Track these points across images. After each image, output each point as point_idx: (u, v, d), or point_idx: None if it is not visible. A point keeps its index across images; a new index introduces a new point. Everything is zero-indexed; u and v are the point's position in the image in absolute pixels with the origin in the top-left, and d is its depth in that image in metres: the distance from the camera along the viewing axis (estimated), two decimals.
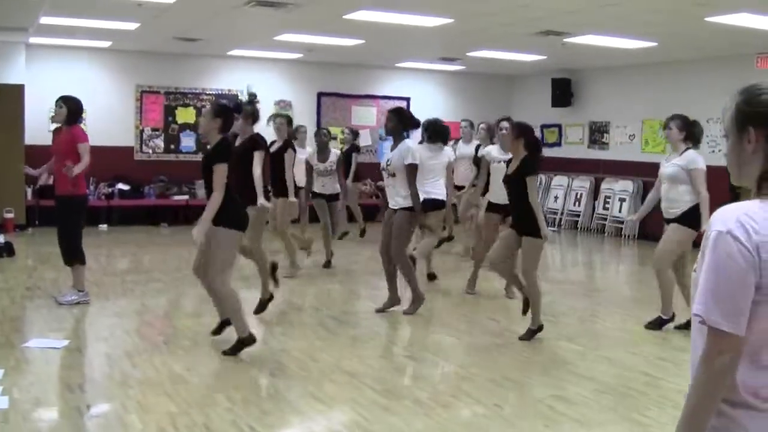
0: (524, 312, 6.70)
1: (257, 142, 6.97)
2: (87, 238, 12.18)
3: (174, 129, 14.43)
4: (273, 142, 8.48)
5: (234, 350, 5.89)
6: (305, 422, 4.65)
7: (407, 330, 7.10)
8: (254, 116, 7.02)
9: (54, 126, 7.75)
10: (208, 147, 5.90)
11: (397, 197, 7.27)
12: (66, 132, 7.43)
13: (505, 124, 8.06)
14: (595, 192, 14.66)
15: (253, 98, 6.96)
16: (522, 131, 6.66)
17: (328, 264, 9.92)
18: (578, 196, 14.97)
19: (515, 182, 6.56)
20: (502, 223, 7.77)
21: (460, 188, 9.47)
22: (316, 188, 9.89)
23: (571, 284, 9.55)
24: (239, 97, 13.99)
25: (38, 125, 13.11)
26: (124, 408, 4.77)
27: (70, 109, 7.40)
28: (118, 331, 6.68)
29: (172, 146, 14.44)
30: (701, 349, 1.75)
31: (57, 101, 7.49)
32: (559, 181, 15.46)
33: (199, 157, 14.52)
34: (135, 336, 6.54)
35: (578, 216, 14.92)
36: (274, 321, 7.17)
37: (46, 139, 13.27)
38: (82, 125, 7.73)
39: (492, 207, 7.94)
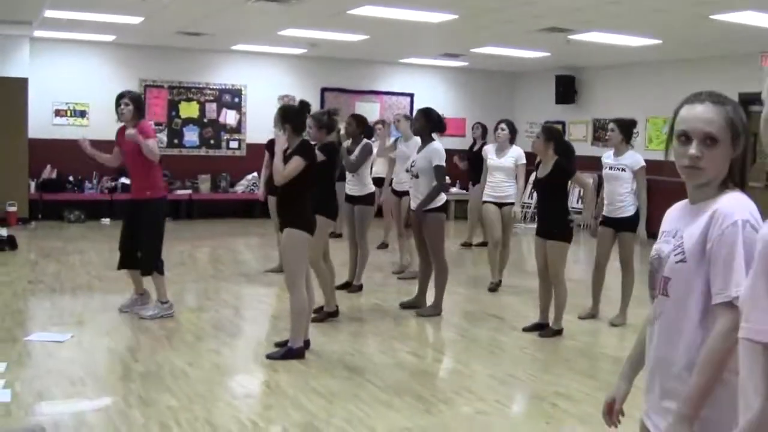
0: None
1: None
2: (89, 231, 12.31)
3: (177, 123, 14.43)
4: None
5: (278, 356, 5.78)
6: (307, 417, 4.65)
7: (409, 326, 7.10)
8: (329, 127, 6.79)
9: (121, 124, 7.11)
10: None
11: (420, 197, 7.21)
12: (134, 128, 6.79)
13: (503, 125, 8.67)
14: (598, 189, 14.62)
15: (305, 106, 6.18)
16: (551, 135, 6.66)
17: (348, 285, 8.32)
18: (581, 193, 14.95)
19: (546, 186, 6.63)
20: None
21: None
22: (346, 188, 8.25)
23: (574, 282, 9.49)
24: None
25: (42, 119, 13.15)
26: (126, 402, 4.77)
27: (134, 105, 6.81)
28: (120, 325, 6.68)
29: (176, 141, 14.43)
30: (707, 329, 1.95)
31: (122, 99, 6.83)
32: None
33: (202, 151, 14.58)
34: (137, 330, 6.55)
35: (581, 213, 14.89)
36: (277, 317, 7.17)
37: (50, 133, 13.35)
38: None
39: (607, 221, 7.24)
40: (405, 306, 7.56)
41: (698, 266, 1.98)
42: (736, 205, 1.97)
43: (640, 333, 2.30)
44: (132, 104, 6.78)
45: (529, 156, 8.35)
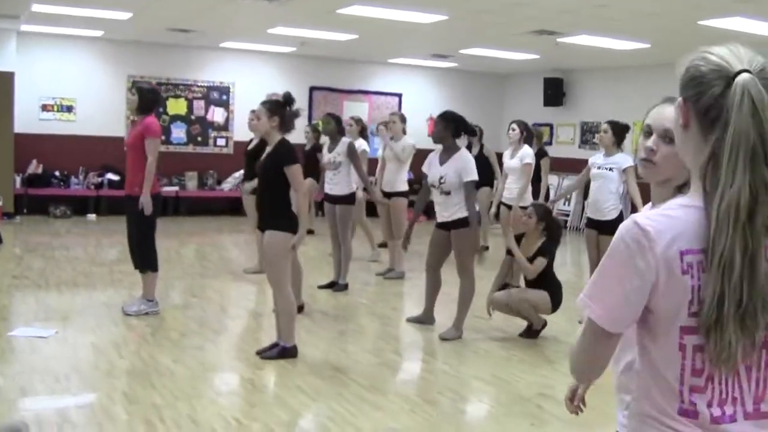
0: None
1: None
2: (75, 227, 12.24)
3: (165, 120, 14.38)
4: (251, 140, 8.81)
5: (274, 355, 5.74)
6: (291, 415, 4.65)
7: (395, 326, 7.10)
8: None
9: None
10: (267, 148, 5.70)
11: (451, 210, 6.48)
12: (139, 123, 6.90)
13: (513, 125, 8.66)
14: (585, 192, 14.66)
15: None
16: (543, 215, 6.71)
17: (333, 284, 8.35)
18: (568, 196, 14.99)
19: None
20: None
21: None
22: (326, 187, 8.34)
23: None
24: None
25: (28, 113, 13.09)
26: (110, 399, 4.75)
27: (142, 98, 6.82)
28: (105, 321, 6.65)
29: (163, 137, 14.35)
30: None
31: (131, 88, 6.87)
32: (550, 180, 15.39)
33: (189, 148, 14.53)
34: (122, 327, 6.52)
35: (568, 215, 14.95)
36: (262, 314, 7.16)
37: (37, 128, 13.28)
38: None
39: (590, 223, 7.37)
40: (412, 320, 7.10)
41: None
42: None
43: None
44: (137, 95, 6.86)
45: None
